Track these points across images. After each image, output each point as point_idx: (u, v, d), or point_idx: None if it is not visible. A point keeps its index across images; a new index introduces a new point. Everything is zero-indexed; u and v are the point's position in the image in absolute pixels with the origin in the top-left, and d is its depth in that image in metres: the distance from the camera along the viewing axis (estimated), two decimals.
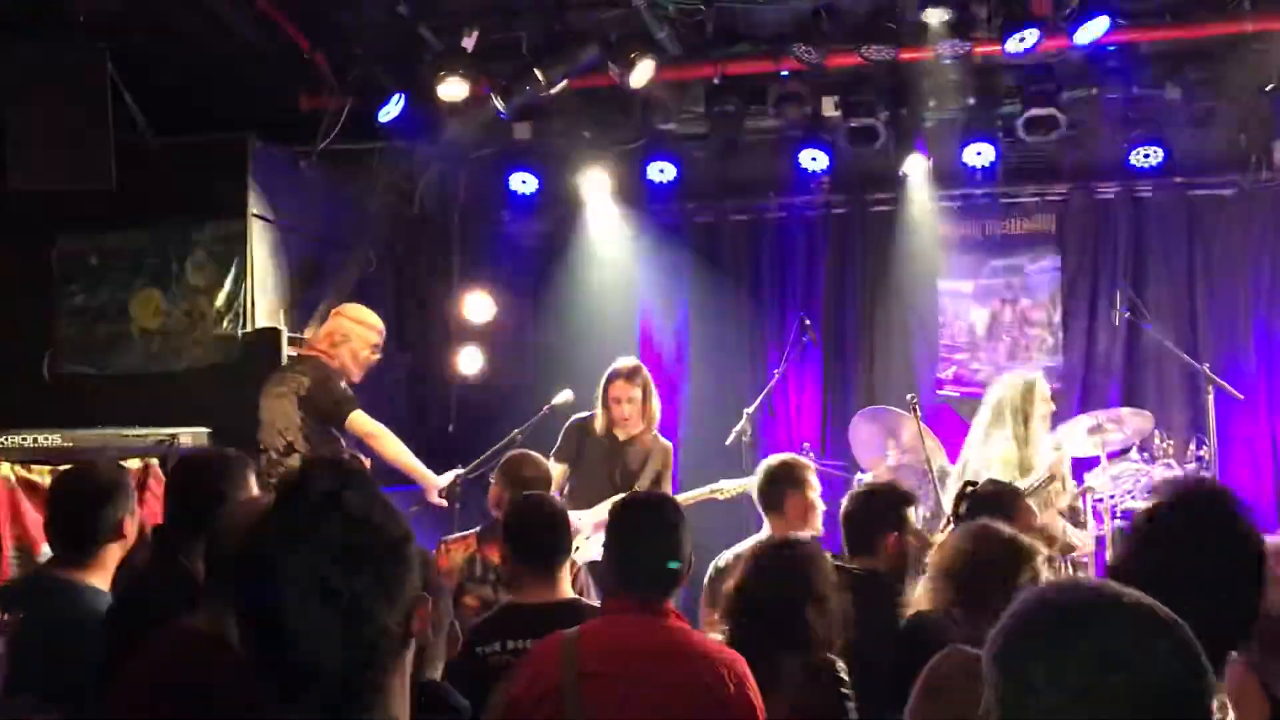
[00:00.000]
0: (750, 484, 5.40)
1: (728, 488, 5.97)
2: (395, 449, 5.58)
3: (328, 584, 1.40)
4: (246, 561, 1.46)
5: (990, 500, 3.93)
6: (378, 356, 5.84)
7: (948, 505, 4.85)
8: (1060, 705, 1.27)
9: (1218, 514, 2.06)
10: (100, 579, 3.34)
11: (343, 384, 5.61)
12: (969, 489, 4.07)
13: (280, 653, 1.41)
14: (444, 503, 5.59)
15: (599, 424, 5.90)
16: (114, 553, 3.38)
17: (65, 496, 3.48)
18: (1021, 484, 5.30)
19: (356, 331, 5.74)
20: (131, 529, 3.40)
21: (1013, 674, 1.31)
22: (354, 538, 1.43)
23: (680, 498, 5.66)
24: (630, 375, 5.86)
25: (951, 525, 3.93)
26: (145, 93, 6.51)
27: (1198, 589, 1.81)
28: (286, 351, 6.67)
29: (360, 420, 5.52)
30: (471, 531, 4.80)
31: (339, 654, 1.40)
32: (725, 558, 4.46)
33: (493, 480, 4.64)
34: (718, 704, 2.80)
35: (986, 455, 5.70)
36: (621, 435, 5.90)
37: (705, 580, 4.41)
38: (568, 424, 6.00)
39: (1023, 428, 5.70)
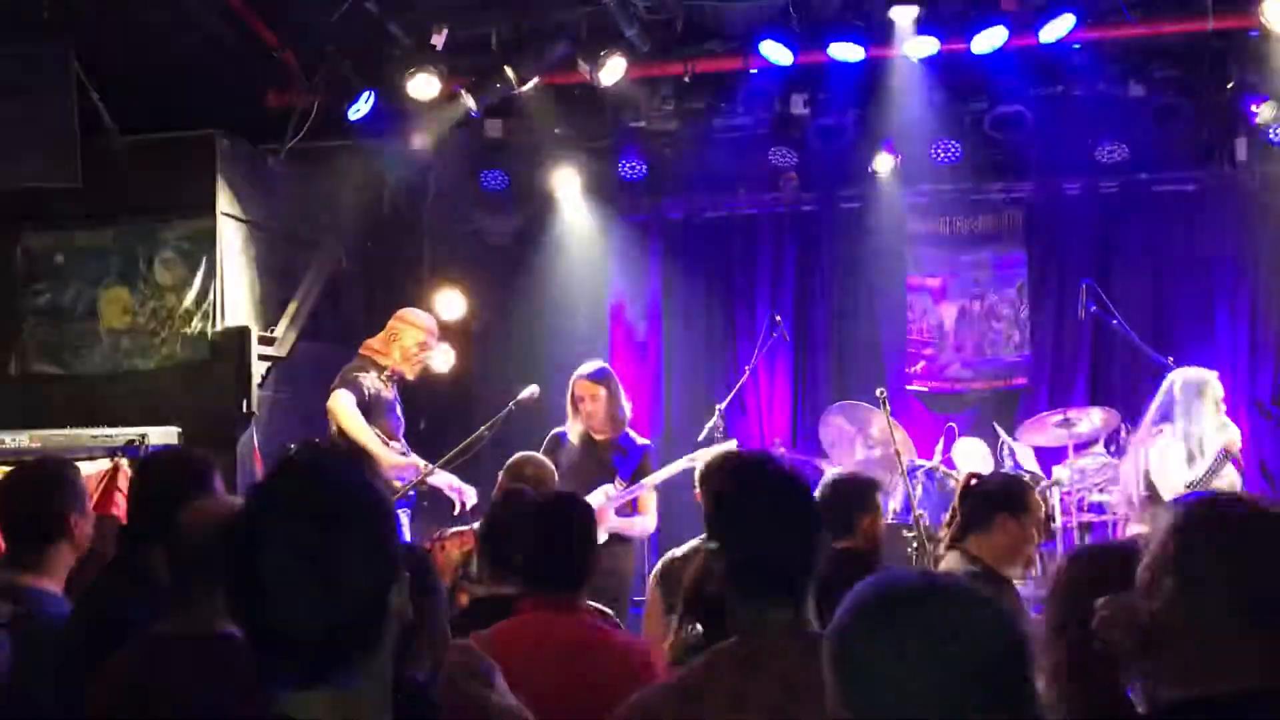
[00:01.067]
0: (728, 449, 5.63)
1: (705, 458, 5.99)
2: (352, 428, 5.68)
3: (307, 550, 1.43)
4: (231, 533, 1.50)
5: (999, 494, 3.96)
6: (428, 353, 6.14)
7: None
8: (894, 680, 1.37)
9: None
10: (52, 581, 3.21)
11: (365, 376, 5.84)
12: (973, 482, 4.08)
13: (263, 620, 1.44)
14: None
15: (572, 431, 5.91)
16: (64, 553, 3.23)
17: (6, 494, 3.35)
18: (1193, 474, 5.35)
19: (406, 332, 6.06)
20: (83, 529, 3.26)
21: (854, 661, 1.41)
22: (333, 506, 1.47)
23: (661, 472, 5.80)
24: (593, 376, 5.86)
25: (958, 518, 3.96)
26: (112, 90, 6.47)
27: None
28: (256, 350, 6.65)
29: (332, 400, 5.76)
30: (470, 527, 4.79)
31: (320, 620, 1.43)
32: (681, 550, 4.44)
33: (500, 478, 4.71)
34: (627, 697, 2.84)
35: (1161, 447, 5.61)
36: (598, 437, 5.92)
37: (657, 572, 4.35)
38: (548, 437, 6.01)
39: (1193, 420, 5.65)
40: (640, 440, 6.02)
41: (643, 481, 5.77)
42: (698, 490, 4.31)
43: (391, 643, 1.54)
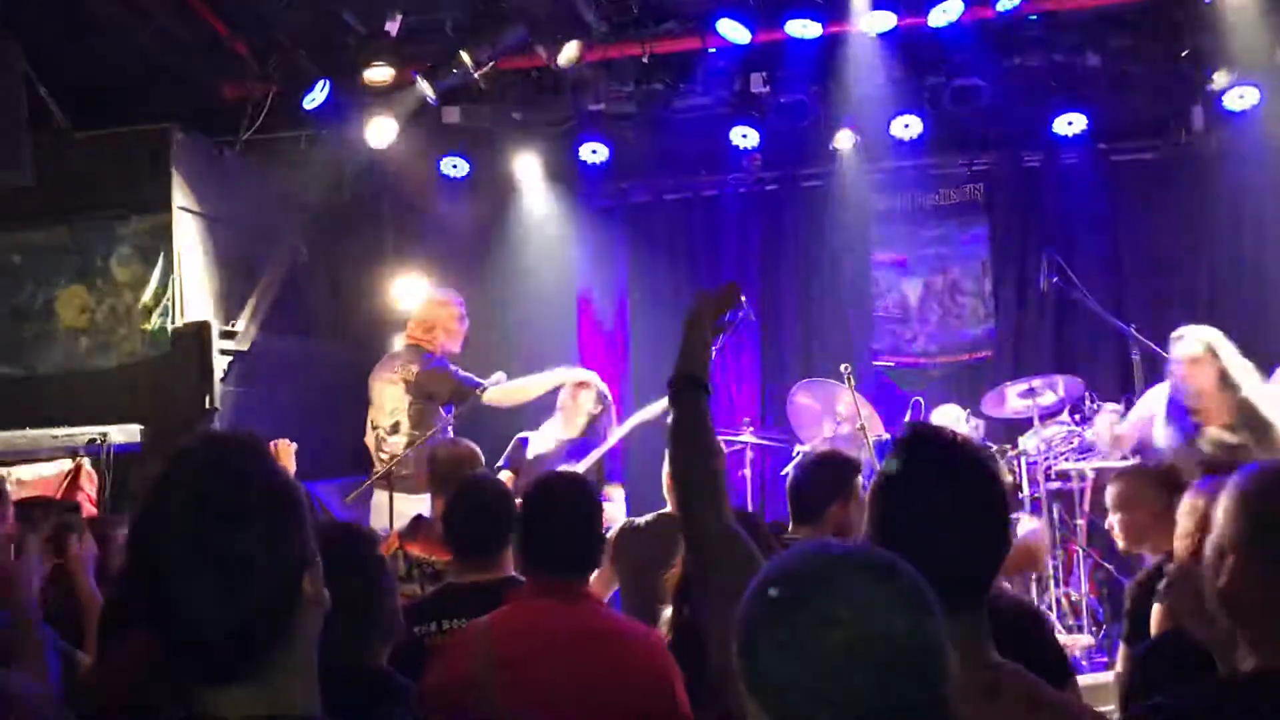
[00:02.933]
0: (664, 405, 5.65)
1: (648, 413, 6.08)
2: (533, 388, 6.25)
3: (205, 543, 1.40)
4: (133, 528, 1.46)
5: None
6: (465, 322, 6.47)
7: None
8: (785, 671, 1.27)
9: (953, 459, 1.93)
10: None
11: (450, 370, 6.17)
12: None
13: (168, 617, 1.41)
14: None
15: (545, 435, 6.08)
16: None
17: None
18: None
19: (440, 313, 6.40)
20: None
21: (744, 645, 1.31)
22: (235, 497, 1.43)
23: (613, 436, 6.03)
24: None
25: None
26: (62, 85, 6.38)
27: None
28: (217, 345, 6.59)
29: (492, 396, 6.09)
30: (393, 530, 4.78)
31: (222, 615, 1.40)
32: (642, 520, 4.45)
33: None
34: (636, 686, 2.77)
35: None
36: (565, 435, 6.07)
37: (612, 537, 4.29)
38: (515, 438, 6.16)
39: None
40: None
41: (589, 456, 5.94)
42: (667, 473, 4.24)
43: (313, 630, 1.50)
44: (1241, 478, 1.88)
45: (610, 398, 6.32)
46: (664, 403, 6.12)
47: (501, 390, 6.12)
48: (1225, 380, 5.15)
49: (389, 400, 6.21)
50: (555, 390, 6.23)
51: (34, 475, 5.36)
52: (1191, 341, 5.27)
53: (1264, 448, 4.94)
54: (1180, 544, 3.01)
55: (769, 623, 1.30)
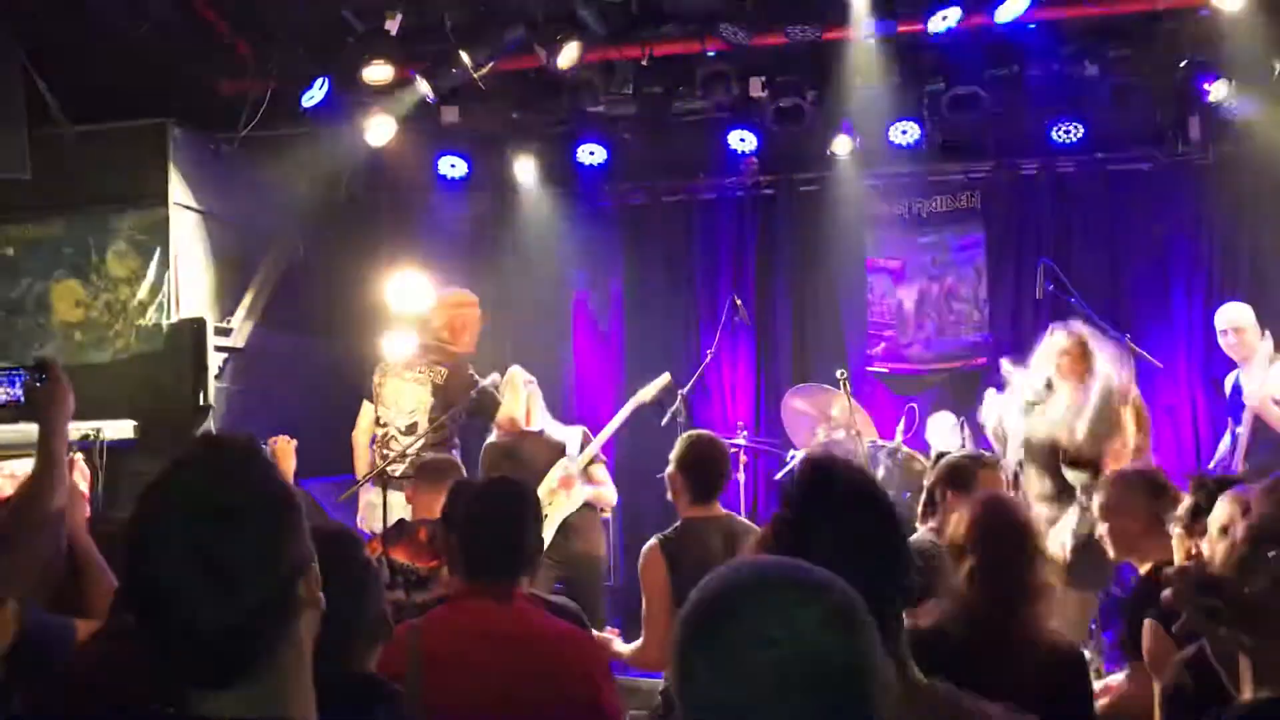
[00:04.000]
0: (664, 382, 6.17)
1: (646, 394, 6.27)
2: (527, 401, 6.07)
3: (200, 547, 1.40)
4: (126, 532, 1.46)
5: (945, 472, 4.02)
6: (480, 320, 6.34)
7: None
8: (718, 692, 1.26)
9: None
10: None
11: (473, 375, 6.04)
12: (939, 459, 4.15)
13: (162, 620, 1.41)
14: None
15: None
16: None
17: None
18: None
19: (467, 314, 6.26)
20: None
21: (680, 666, 1.30)
22: (229, 501, 1.43)
23: (609, 426, 6.13)
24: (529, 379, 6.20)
25: (923, 496, 4.01)
26: (61, 79, 6.37)
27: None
28: (212, 341, 6.58)
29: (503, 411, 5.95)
30: (374, 535, 4.77)
31: (216, 619, 1.39)
32: (669, 533, 4.33)
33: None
34: (563, 688, 2.81)
35: None
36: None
37: (649, 558, 4.24)
38: (484, 447, 6.13)
39: None
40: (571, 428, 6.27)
41: (591, 444, 6.03)
42: (670, 474, 4.22)
43: (308, 634, 1.50)
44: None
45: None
46: (657, 384, 6.17)
47: (511, 409, 6.00)
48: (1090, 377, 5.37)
49: (408, 400, 6.06)
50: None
51: (26, 471, 5.33)
52: (1063, 337, 5.50)
53: (1104, 440, 5.18)
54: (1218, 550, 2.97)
55: (703, 641, 1.28)
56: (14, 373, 2.93)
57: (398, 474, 5.71)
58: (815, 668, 1.24)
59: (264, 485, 1.48)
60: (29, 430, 5.44)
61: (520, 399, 6.03)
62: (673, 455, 4.19)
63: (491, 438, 6.12)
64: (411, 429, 6.01)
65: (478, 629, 2.87)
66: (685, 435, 4.29)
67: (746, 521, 4.34)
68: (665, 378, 6.32)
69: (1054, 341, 5.48)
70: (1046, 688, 2.61)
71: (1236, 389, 6.29)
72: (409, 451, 5.81)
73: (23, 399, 2.88)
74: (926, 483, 4.25)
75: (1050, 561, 3.19)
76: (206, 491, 1.43)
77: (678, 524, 4.12)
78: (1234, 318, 6.36)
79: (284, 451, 4.66)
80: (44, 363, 2.86)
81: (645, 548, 4.09)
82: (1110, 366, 5.38)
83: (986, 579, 2.89)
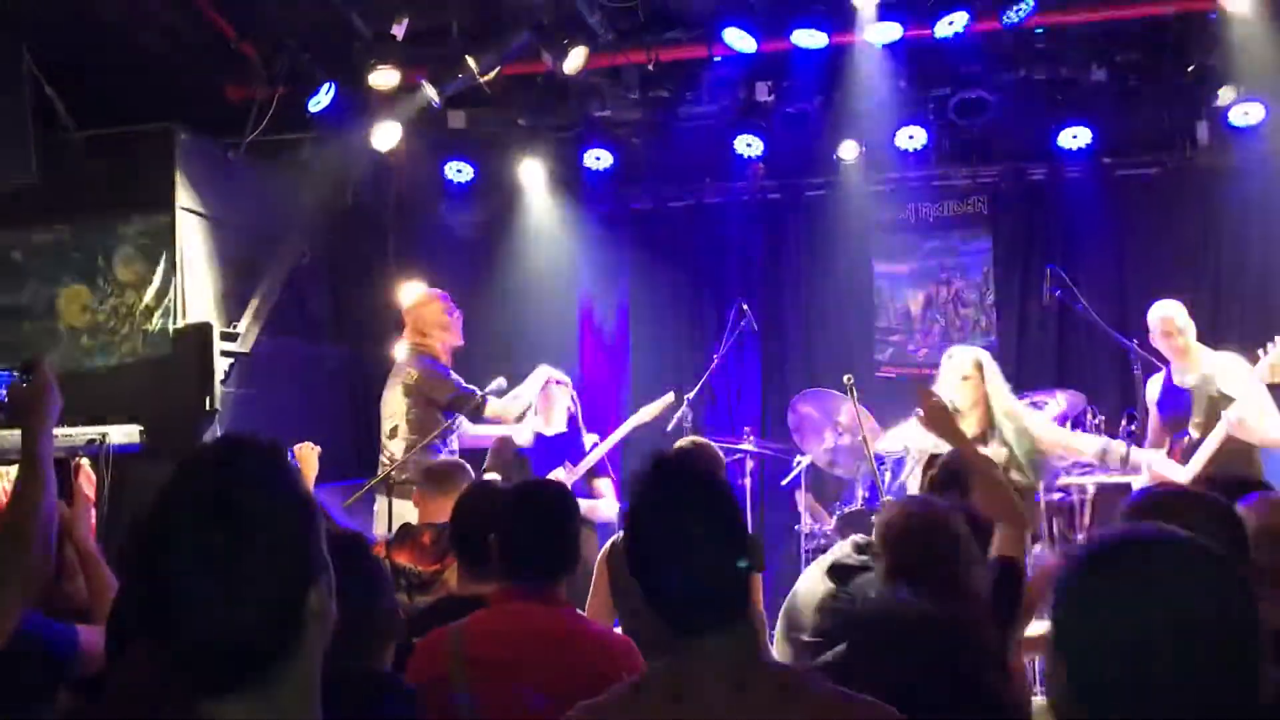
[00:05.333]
0: (665, 402, 6.20)
1: (647, 413, 6.28)
2: (525, 395, 6.20)
3: (213, 550, 1.37)
4: (138, 530, 1.45)
5: (942, 475, 4.02)
6: (455, 314, 6.32)
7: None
8: (1115, 636, 1.38)
9: None
10: None
11: (450, 376, 6.10)
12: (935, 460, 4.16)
13: (171, 625, 1.39)
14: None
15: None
16: None
17: None
18: None
19: (426, 313, 6.26)
20: None
21: (1072, 616, 1.44)
22: (245, 505, 1.40)
23: (609, 440, 6.15)
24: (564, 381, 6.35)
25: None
26: (67, 84, 6.37)
27: None
28: (219, 346, 6.58)
29: (494, 409, 6.07)
30: (379, 539, 4.76)
31: (225, 625, 1.38)
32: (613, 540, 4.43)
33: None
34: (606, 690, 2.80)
35: None
36: (552, 432, 6.19)
37: (606, 548, 4.29)
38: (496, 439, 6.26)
39: None
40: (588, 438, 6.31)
41: (589, 456, 6.09)
42: None
43: (318, 647, 1.48)
44: None
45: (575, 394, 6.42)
46: (659, 404, 6.18)
47: (501, 405, 6.10)
48: (986, 398, 5.49)
49: (389, 404, 6.19)
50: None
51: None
52: (962, 360, 5.60)
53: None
54: None
55: (1095, 591, 1.43)
56: (3, 373, 2.87)
57: (402, 479, 5.71)
58: (1199, 626, 1.37)
59: (283, 490, 1.45)
60: (3, 436, 5.45)
61: (521, 402, 6.08)
62: None
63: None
64: (394, 432, 6.08)
65: (522, 631, 2.82)
66: (680, 441, 4.34)
67: None
68: (668, 398, 6.35)
69: (954, 365, 5.58)
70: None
71: (1177, 392, 5.97)
72: (397, 457, 5.85)
73: (4, 399, 2.82)
74: (919, 483, 4.26)
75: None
76: (223, 494, 1.41)
77: None
78: (1173, 314, 5.94)
79: (307, 458, 4.65)
80: (30, 363, 2.80)
81: (607, 543, 4.28)
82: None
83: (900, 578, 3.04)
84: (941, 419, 3.72)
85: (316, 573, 1.46)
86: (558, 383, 6.30)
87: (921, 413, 3.75)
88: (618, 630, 4.00)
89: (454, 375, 6.17)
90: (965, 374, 5.51)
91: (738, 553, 1.97)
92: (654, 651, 2.92)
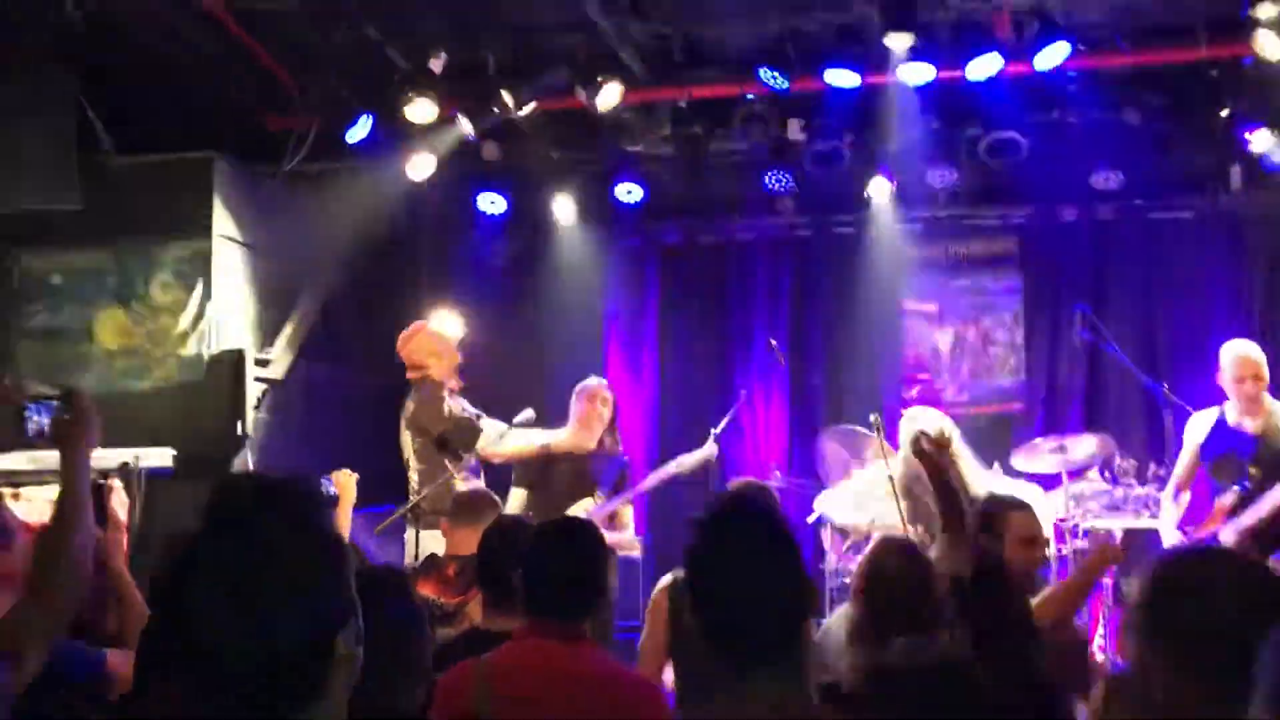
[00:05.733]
0: (707, 454, 6.02)
1: (687, 462, 6.17)
2: (524, 445, 6.02)
3: (241, 588, 1.39)
4: (169, 567, 1.47)
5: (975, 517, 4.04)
6: (441, 339, 6.24)
7: None
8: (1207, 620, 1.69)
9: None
10: None
11: (445, 406, 6.00)
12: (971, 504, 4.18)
13: (197, 660, 1.41)
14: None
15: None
16: None
17: None
18: None
19: (412, 348, 6.16)
20: (12, 565, 3.00)
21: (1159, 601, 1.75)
22: (275, 548, 1.42)
23: (645, 483, 6.12)
24: (608, 385, 6.30)
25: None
26: (110, 111, 6.49)
27: None
28: (251, 372, 6.65)
29: (506, 447, 6.00)
30: (408, 570, 4.78)
31: (248, 662, 1.39)
32: (680, 576, 4.35)
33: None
34: None
35: None
36: (586, 450, 6.12)
37: (663, 593, 4.20)
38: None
39: None
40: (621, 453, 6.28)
41: (622, 494, 6.02)
42: None
43: (343, 688, 1.49)
44: None
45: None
46: (701, 455, 6.11)
47: (514, 446, 6.02)
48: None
49: (402, 438, 6.19)
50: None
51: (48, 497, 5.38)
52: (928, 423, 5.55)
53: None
54: None
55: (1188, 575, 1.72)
56: (46, 403, 2.91)
57: (425, 510, 5.74)
58: None
59: (315, 534, 1.47)
60: (38, 457, 5.51)
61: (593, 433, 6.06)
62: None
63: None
64: (406, 465, 6.10)
65: (547, 668, 2.83)
66: (736, 482, 4.30)
67: None
68: (712, 449, 6.22)
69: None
70: None
71: (1233, 435, 5.80)
72: (414, 489, 5.86)
73: (47, 430, 2.86)
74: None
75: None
76: (256, 535, 1.42)
77: None
78: (1253, 355, 5.75)
79: (345, 485, 4.70)
80: (69, 393, 2.82)
81: (659, 586, 4.16)
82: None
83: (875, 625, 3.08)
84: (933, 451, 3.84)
85: (345, 616, 1.47)
86: (598, 397, 6.22)
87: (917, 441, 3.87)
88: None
89: (451, 404, 6.08)
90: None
91: (799, 596, 2.06)
92: (705, 694, 2.93)
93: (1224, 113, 6.89)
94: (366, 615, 1.54)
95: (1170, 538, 5.60)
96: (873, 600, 3.14)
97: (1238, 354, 5.77)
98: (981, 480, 5.63)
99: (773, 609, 2.03)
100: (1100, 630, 6.41)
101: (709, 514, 2.17)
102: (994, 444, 7.43)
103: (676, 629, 4.01)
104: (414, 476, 6.02)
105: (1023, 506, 4.33)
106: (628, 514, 6.16)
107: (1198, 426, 5.90)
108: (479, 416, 6.19)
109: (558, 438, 6.08)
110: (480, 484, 5.94)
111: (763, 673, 2.00)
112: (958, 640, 2.93)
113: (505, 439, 6.01)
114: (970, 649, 2.88)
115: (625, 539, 6.03)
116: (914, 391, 8.33)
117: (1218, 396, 7.58)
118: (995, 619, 3.03)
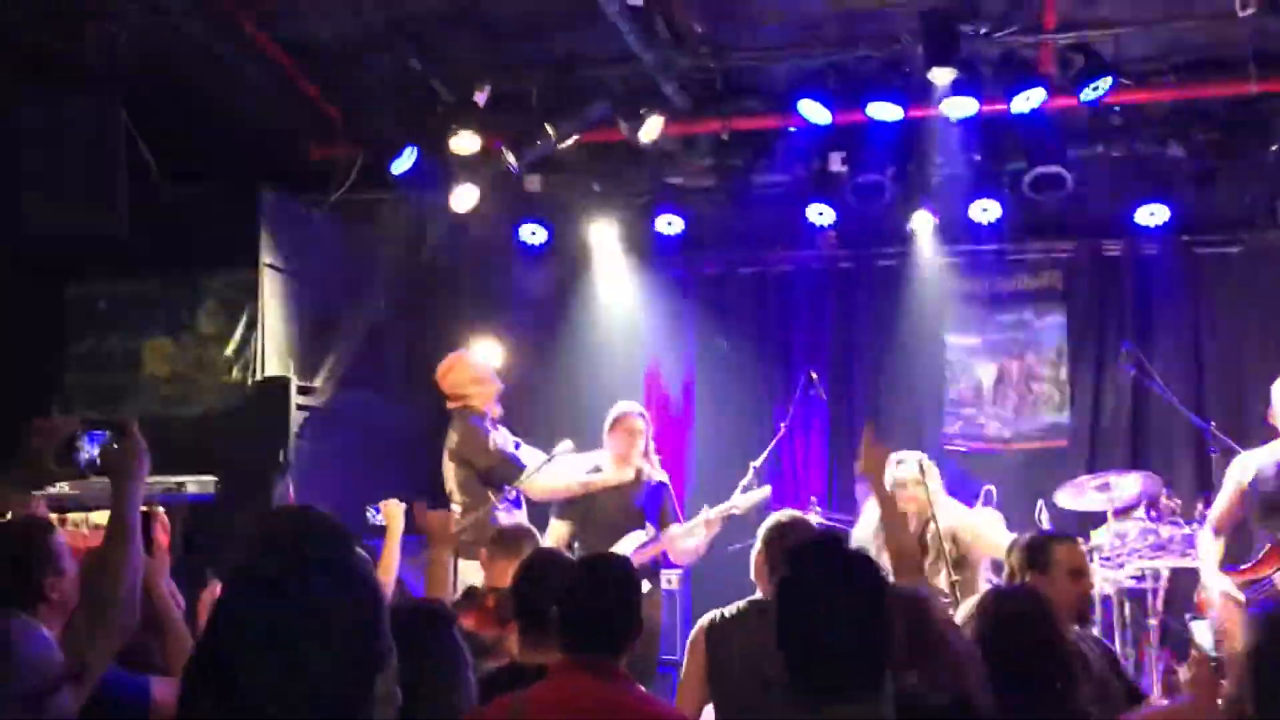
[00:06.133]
0: (764, 496, 6.00)
1: (743, 503, 6.14)
2: (563, 484, 6.08)
3: (278, 634, 1.40)
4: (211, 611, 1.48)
5: (1024, 554, 4.03)
6: (478, 368, 6.33)
7: None
8: None
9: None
10: None
11: (490, 440, 6.08)
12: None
13: (236, 701, 1.41)
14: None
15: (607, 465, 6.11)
16: (43, 617, 2.93)
17: None
18: None
19: (453, 378, 6.25)
20: (61, 590, 2.98)
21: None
22: (314, 591, 1.43)
23: (697, 519, 6.07)
24: (642, 413, 6.32)
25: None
26: (158, 140, 6.58)
27: None
28: (295, 400, 6.70)
29: (538, 485, 6.04)
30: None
31: (286, 707, 1.39)
32: (730, 610, 4.12)
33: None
34: None
35: None
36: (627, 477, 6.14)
37: (702, 629, 4.08)
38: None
39: None
40: (658, 476, 6.26)
41: (672, 532, 6.04)
42: (757, 553, 4.14)
43: None
44: None
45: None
46: (755, 497, 6.10)
47: (553, 484, 6.08)
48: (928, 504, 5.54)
49: (444, 469, 6.25)
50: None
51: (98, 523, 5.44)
52: (910, 465, 5.70)
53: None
54: None
55: None
56: (98, 433, 2.93)
57: (465, 540, 5.74)
58: None
59: (354, 577, 1.48)
60: (83, 483, 5.56)
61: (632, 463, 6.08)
62: (761, 533, 4.15)
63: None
64: (450, 496, 6.14)
65: (583, 704, 2.84)
66: (777, 515, 4.26)
67: None
68: (766, 491, 6.24)
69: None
70: None
71: None
72: (457, 520, 5.87)
73: (97, 460, 2.88)
74: (1005, 564, 4.20)
75: None
76: (296, 578, 1.44)
77: (742, 604, 4.04)
78: None
79: (394, 514, 4.73)
80: (120, 424, 2.86)
81: (697, 625, 4.09)
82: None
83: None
84: (877, 465, 4.09)
85: (383, 659, 1.49)
86: (639, 415, 6.26)
87: (862, 454, 4.06)
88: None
89: (495, 436, 6.14)
90: (915, 478, 5.59)
91: (886, 633, 2.19)
92: None
93: (1273, 148, 6.82)
94: (412, 651, 1.55)
95: (1213, 579, 5.50)
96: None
97: None
98: (950, 513, 5.74)
99: (862, 645, 2.13)
100: (1143, 665, 6.31)
101: (803, 547, 2.35)
102: (1037, 481, 7.36)
103: (716, 667, 3.96)
104: (456, 508, 6.02)
105: (1067, 539, 4.28)
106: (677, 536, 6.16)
107: (1247, 465, 5.79)
108: (518, 445, 6.21)
109: (595, 479, 6.12)
110: (522, 515, 5.95)
111: (842, 709, 2.10)
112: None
113: (545, 476, 6.02)
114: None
115: (690, 545, 6.07)
116: (956, 427, 8.27)
117: (1263, 434, 7.49)
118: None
